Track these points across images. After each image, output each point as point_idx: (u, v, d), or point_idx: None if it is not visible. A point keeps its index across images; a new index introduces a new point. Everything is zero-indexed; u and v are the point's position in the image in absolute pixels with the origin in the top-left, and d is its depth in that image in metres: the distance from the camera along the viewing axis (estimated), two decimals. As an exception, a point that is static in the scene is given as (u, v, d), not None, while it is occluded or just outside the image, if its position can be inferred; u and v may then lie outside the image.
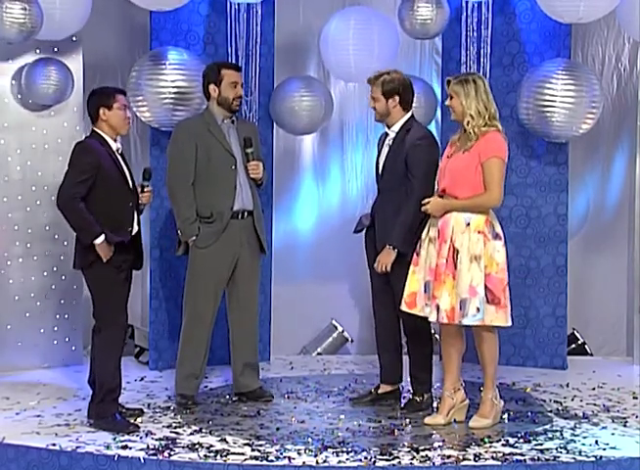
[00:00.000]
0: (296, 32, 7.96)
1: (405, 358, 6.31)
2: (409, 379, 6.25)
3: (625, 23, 7.11)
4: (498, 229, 5.75)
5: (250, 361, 6.44)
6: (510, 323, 5.74)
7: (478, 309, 5.59)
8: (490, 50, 7.29)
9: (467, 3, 7.26)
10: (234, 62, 7.14)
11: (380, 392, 6.33)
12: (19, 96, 7.17)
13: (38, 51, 7.15)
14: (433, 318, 5.70)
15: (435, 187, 5.96)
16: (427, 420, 5.86)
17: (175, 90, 6.81)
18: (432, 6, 6.97)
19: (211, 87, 6.30)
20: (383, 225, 6.12)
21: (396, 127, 6.15)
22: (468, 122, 5.69)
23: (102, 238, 5.61)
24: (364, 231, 6.30)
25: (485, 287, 5.62)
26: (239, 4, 7.14)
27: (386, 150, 6.17)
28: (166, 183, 6.34)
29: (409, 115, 6.18)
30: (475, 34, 7.28)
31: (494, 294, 5.64)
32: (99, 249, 5.62)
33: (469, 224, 5.67)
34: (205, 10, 7.25)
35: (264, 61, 7.32)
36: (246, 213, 6.31)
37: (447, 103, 5.83)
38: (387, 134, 6.22)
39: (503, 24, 7.42)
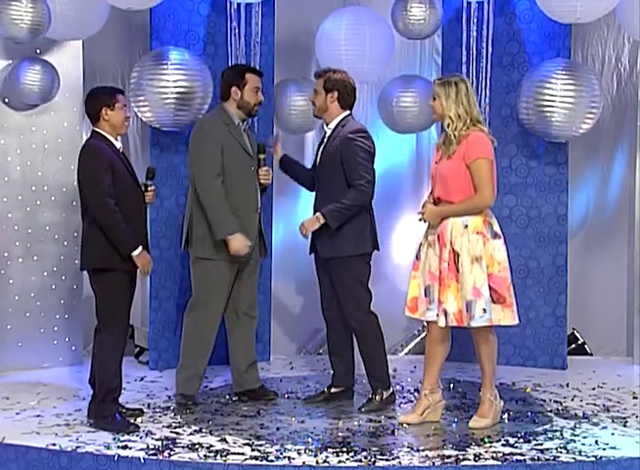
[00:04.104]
0: (295, 32, 7.96)
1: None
2: (367, 379, 6.27)
3: (625, 23, 7.11)
4: (497, 228, 5.75)
5: (253, 360, 6.47)
6: (517, 321, 5.76)
7: (484, 310, 5.60)
8: (490, 50, 7.29)
9: (468, 3, 7.26)
10: (233, 62, 7.15)
11: (332, 391, 6.36)
12: (4, 97, 7.17)
13: (38, 51, 7.15)
14: (442, 323, 5.70)
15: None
16: (401, 418, 5.89)
17: (177, 90, 6.81)
18: (425, 6, 6.98)
19: (233, 90, 6.28)
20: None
21: (332, 125, 6.24)
22: (448, 125, 5.72)
23: (140, 249, 5.63)
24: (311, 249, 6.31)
25: (490, 287, 5.63)
26: (239, 4, 7.14)
27: (321, 148, 6.25)
28: (199, 183, 6.16)
29: (346, 113, 6.26)
30: (475, 34, 7.28)
31: (499, 293, 5.65)
32: (137, 259, 5.63)
33: (467, 226, 5.67)
34: (205, 10, 7.26)
35: (264, 61, 7.32)
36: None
37: (430, 103, 5.86)
38: (325, 133, 6.29)
39: (503, 24, 7.42)
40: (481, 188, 5.65)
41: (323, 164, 6.21)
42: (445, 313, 5.66)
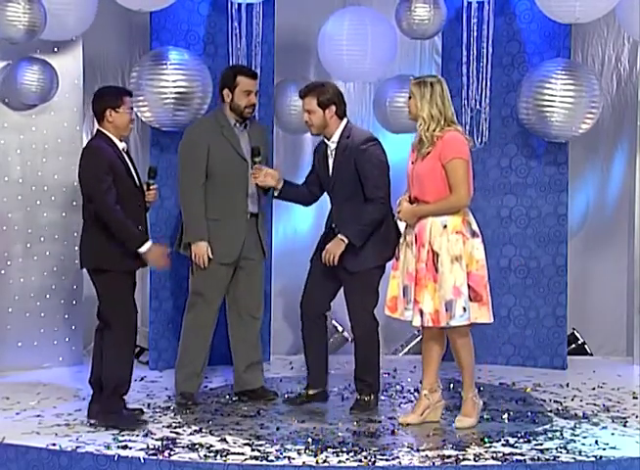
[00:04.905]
0: (295, 32, 7.96)
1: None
2: (354, 381, 6.24)
3: (625, 23, 7.12)
4: (475, 227, 5.76)
5: (254, 361, 6.48)
6: (492, 320, 5.78)
7: (464, 309, 5.62)
8: (490, 50, 7.29)
9: (468, 3, 7.26)
10: (233, 62, 7.15)
11: (310, 393, 6.29)
12: (4, 98, 7.16)
13: (39, 51, 7.14)
14: (417, 323, 5.72)
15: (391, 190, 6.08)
16: (401, 419, 5.89)
17: (176, 90, 6.81)
18: (429, 6, 7.00)
19: (225, 92, 6.32)
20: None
21: (336, 137, 6.12)
22: (420, 125, 5.70)
23: (148, 245, 5.63)
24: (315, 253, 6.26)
25: (468, 285, 5.64)
26: (239, 4, 7.14)
27: (331, 161, 6.13)
28: (178, 183, 6.35)
29: (345, 121, 6.16)
30: (475, 34, 7.28)
31: (476, 291, 5.67)
32: (146, 255, 5.63)
33: (446, 226, 5.67)
34: (205, 10, 7.25)
35: (264, 61, 7.32)
36: (250, 215, 6.35)
37: (406, 102, 5.86)
38: (326, 145, 6.17)
39: (503, 24, 7.42)
40: (457, 188, 5.65)
41: (338, 178, 6.10)
42: (421, 313, 5.67)
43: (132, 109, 5.83)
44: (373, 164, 6.05)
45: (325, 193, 6.34)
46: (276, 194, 6.29)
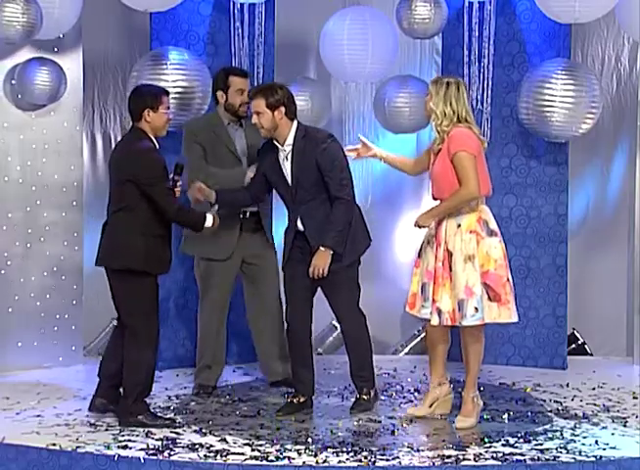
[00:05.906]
0: (296, 32, 7.97)
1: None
2: (352, 379, 6.23)
3: (625, 24, 7.12)
4: (493, 226, 5.76)
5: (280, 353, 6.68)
6: (516, 319, 5.80)
7: (476, 309, 5.63)
8: (491, 50, 7.29)
9: (470, 3, 7.25)
10: (235, 62, 7.16)
11: (301, 401, 6.17)
12: (16, 95, 7.16)
13: (38, 51, 7.14)
14: (435, 321, 5.73)
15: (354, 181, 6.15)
16: (409, 411, 5.96)
17: (176, 90, 6.81)
18: (430, 5, 6.99)
19: (219, 94, 6.47)
20: (318, 236, 6.03)
21: (290, 140, 6.01)
22: (434, 120, 5.77)
23: (210, 220, 5.85)
24: (286, 261, 6.22)
25: (486, 285, 5.65)
26: (241, 4, 7.14)
27: (287, 165, 6.03)
28: (187, 165, 6.34)
29: (296, 123, 6.05)
30: (475, 34, 7.28)
31: (495, 291, 5.67)
32: (213, 225, 5.86)
33: (460, 225, 5.69)
34: (205, 10, 7.26)
35: (265, 60, 7.32)
36: (248, 213, 6.48)
37: (425, 98, 5.92)
38: (277, 149, 6.05)
39: (503, 25, 7.42)
40: (465, 181, 5.67)
41: (300, 181, 6.01)
42: (439, 312, 5.69)
43: (169, 108, 5.82)
44: (335, 162, 5.99)
45: (267, 195, 6.35)
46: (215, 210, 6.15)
